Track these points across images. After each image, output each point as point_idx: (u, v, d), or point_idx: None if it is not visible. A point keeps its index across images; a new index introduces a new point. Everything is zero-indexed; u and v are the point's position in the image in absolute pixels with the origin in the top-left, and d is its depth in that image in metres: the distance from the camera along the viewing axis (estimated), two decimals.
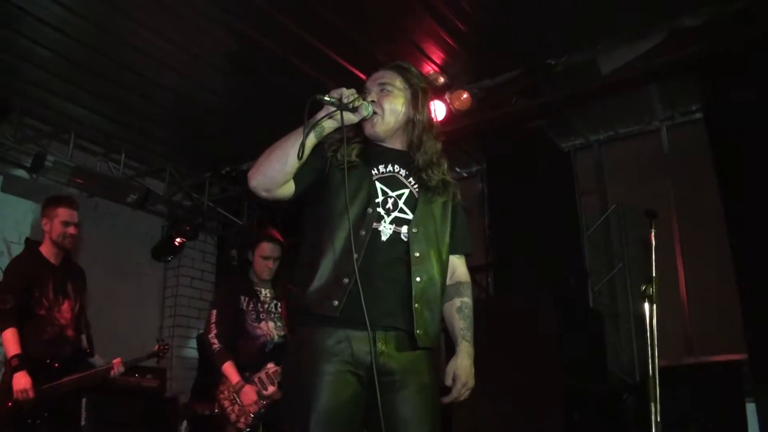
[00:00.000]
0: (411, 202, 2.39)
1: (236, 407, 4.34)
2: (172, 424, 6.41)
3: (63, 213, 4.67)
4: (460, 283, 2.55)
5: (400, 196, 2.39)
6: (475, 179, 8.28)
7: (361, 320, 2.13)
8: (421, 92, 2.49)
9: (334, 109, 2.22)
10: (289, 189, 2.32)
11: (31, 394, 4.20)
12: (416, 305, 2.28)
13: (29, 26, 5.31)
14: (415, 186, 2.43)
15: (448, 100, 5.99)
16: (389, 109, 2.42)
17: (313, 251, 2.33)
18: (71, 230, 4.70)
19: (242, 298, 4.65)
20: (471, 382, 2.37)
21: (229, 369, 4.41)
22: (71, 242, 4.77)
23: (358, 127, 2.44)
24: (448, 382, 2.36)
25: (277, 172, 2.25)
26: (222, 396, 4.43)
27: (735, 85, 5.62)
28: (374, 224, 2.31)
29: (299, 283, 2.36)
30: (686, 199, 6.89)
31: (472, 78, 6.09)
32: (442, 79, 6.11)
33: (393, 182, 2.41)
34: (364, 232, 2.28)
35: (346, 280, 2.20)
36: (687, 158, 6.88)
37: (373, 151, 2.46)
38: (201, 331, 7.86)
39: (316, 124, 2.24)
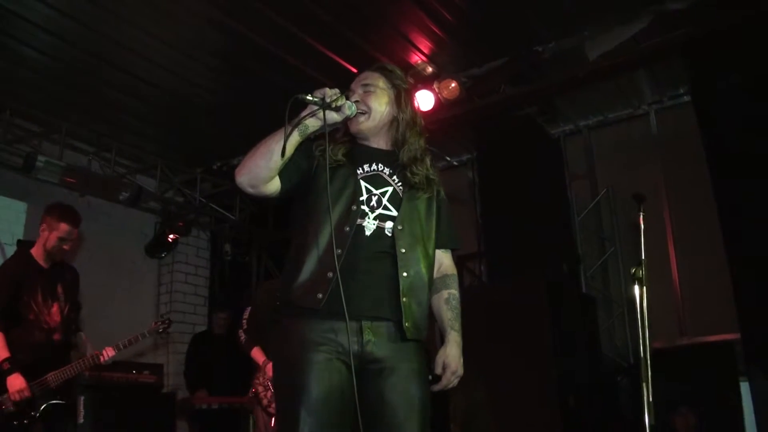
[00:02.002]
0: (395, 199, 2.45)
1: (269, 393, 4.56)
2: (170, 418, 6.44)
3: (64, 229, 4.66)
4: (447, 275, 2.61)
5: (384, 194, 2.45)
6: (465, 167, 8.31)
7: (348, 311, 2.17)
8: (404, 92, 2.57)
9: (317, 108, 2.25)
10: (274, 186, 2.36)
11: (27, 393, 4.25)
12: (404, 299, 2.33)
13: (17, 27, 5.30)
14: (399, 184, 2.49)
15: (436, 90, 6.00)
16: (374, 108, 2.49)
17: (299, 247, 2.39)
18: (66, 247, 4.71)
19: None
20: (460, 371, 2.42)
21: (256, 353, 4.72)
22: (62, 257, 4.78)
23: (346, 127, 2.51)
24: (438, 370, 2.41)
25: (261, 169, 2.29)
26: (257, 382, 4.66)
27: (722, 68, 5.65)
28: (358, 221, 2.36)
29: (285, 277, 2.41)
30: (676, 181, 6.93)
31: (460, 67, 6.11)
32: (430, 69, 6.12)
33: (377, 180, 2.47)
34: (348, 228, 2.33)
35: (330, 274, 2.25)
36: (676, 141, 6.91)
37: (358, 151, 2.53)
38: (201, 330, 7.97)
39: (299, 122, 2.28)
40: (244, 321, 4.89)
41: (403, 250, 2.37)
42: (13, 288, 4.47)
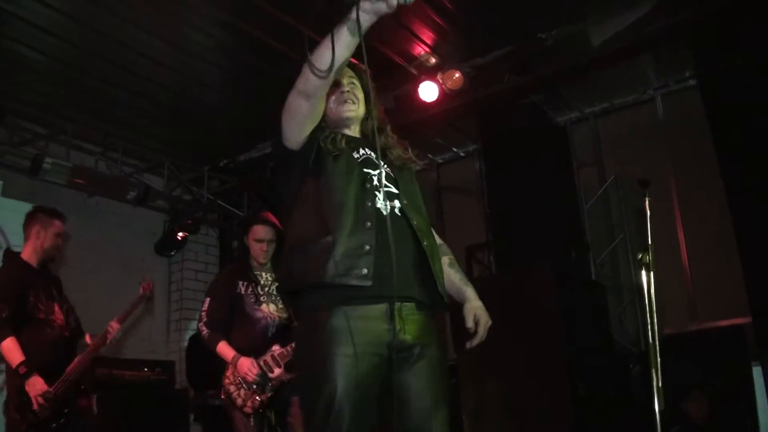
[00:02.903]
0: (389, 179, 2.52)
1: (242, 391, 4.29)
2: (182, 415, 6.45)
3: (58, 225, 4.72)
4: (441, 243, 2.71)
5: (380, 175, 2.49)
6: (472, 158, 8.26)
7: (383, 292, 2.22)
8: (373, 92, 2.67)
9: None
10: (305, 130, 2.40)
11: (50, 393, 4.22)
12: (434, 265, 2.42)
13: (18, 29, 5.32)
14: (385, 165, 2.56)
15: (440, 81, 6.00)
16: (361, 100, 2.66)
17: (319, 231, 2.32)
18: (60, 241, 4.77)
19: (240, 283, 4.59)
20: (490, 321, 2.52)
21: (222, 348, 4.35)
22: (60, 253, 4.85)
23: (329, 120, 2.62)
24: (470, 324, 2.48)
25: (315, 81, 2.32)
26: (227, 382, 4.35)
27: (727, 50, 5.62)
28: (374, 199, 2.40)
29: (310, 260, 2.32)
30: (684, 166, 6.89)
31: (464, 57, 6.08)
32: (433, 60, 6.12)
33: (370, 163, 2.52)
34: (369, 204, 2.37)
35: (368, 247, 2.27)
36: (683, 125, 6.87)
37: (345, 139, 2.60)
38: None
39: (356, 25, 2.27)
40: (204, 313, 4.49)
41: (416, 222, 2.44)
42: (19, 288, 4.45)
